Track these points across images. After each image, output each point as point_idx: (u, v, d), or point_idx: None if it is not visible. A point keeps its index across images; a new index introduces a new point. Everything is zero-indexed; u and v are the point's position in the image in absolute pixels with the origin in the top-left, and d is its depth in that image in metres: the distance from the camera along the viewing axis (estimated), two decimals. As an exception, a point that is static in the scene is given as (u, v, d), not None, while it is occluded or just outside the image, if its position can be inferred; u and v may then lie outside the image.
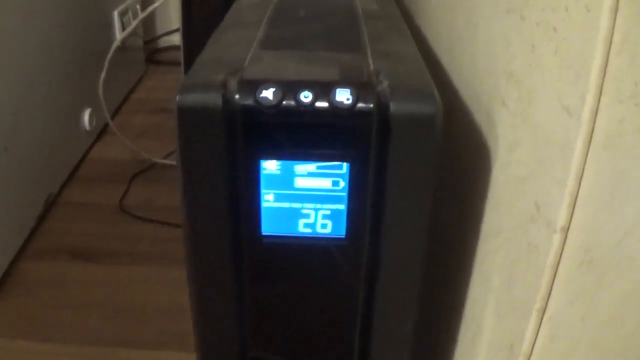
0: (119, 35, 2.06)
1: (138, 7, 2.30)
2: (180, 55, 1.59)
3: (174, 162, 1.83)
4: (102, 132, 2.05)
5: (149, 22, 2.59)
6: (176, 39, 2.57)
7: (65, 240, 1.58)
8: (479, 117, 0.64)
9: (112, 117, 2.02)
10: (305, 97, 0.51)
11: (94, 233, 1.61)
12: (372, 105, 0.52)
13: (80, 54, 1.84)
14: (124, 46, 2.02)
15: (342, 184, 0.55)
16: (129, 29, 1.94)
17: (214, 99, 0.53)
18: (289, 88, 0.52)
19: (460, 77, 0.72)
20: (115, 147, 1.97)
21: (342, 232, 0.58)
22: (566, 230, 0.44)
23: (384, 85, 0.54)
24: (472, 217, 0.65)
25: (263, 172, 0.55)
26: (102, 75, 1.79)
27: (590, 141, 0.41)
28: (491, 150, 0.60)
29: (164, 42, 2.69)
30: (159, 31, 2.68)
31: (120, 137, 1.90)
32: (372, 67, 0.58)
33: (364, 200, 0.56)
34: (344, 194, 0.56)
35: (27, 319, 1.35)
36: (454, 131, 0.71)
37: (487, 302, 0.61)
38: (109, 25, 2.08)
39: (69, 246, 1.56)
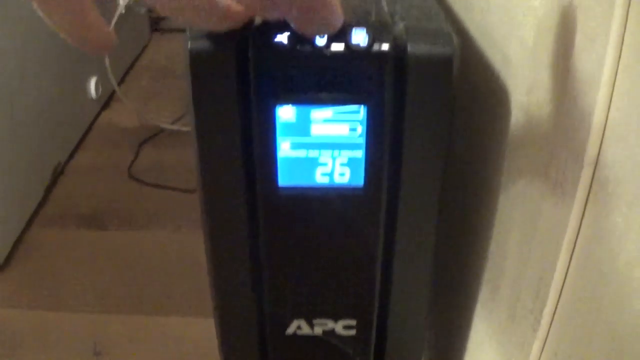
0: (122, 1, 2.05)
1: (141, -27, 2.29)
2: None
3: (181, 128, 1.83)
4: (109, 99, 2.05)
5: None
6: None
7: (74, 207, 1.59)
8: (496, 61, 0.63)
9: (119, 84, 2.01)
10: (321, 38, 0.50)
11: (103, 199, 1.62)
12: (388, 46, 0.51)
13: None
14: (128, 14, 2.01)
15: (360, 129, 0.54)
16: (132, -5, 1.93)
17: (227, 43, 0.52)
18: (304, 31, 0.50)
19: (475, 22, 0.70)
20: (122, 114, 1.97)
21: (360, 181, 0.57)
22: (595, 162, 0.43)
23: (400, 26, 0.53)
24: (492, 161, 0.64)
25: (279, 120, 0.54)
26: (107, 41, 1.78)
27: (617, 68, 0.40)
28: (510, 93, 0.59)
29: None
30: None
31: (128, 103, 1.90)
32: (386, 9, 0.57)
33: (382, 146, 0.55)
34: (362, 140, 0.55)
35: (38, 287, 1.36)
36: (470, 76, 0.70)
37: (509, 240, 0.60)
38: (112, -8, 2.07)
39: (79, 213, 1.57)
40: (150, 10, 2.54)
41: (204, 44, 0.52)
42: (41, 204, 1.59)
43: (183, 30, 0.53)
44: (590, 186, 0.44)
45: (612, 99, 0.41)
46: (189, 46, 0.52)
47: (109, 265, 1.40)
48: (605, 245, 0.43)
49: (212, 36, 0.51)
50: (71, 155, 1.78)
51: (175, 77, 2.20)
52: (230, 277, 0.66)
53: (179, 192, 1.61)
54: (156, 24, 2.64)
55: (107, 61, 1.87)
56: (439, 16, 0.58)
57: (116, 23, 1.88)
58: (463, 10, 0.76)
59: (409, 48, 0.51)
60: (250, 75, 0.52)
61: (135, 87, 2.15)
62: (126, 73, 2.24)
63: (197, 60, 0.52)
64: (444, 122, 0.55)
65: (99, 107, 1.98)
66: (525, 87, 0.55)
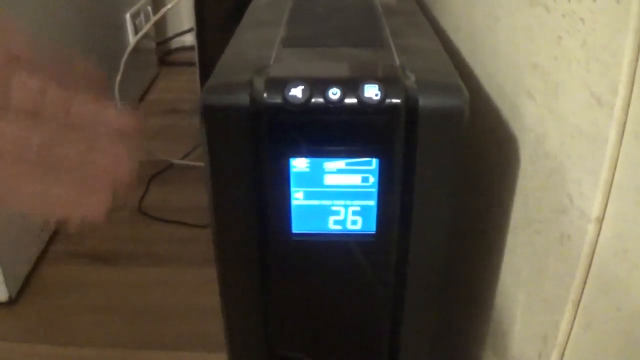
0: (131, 37, 2.06)
1: (149, 8, 2.31)
2: (192, 56, 1.59)
3: (191, 163, 1.84)
4: (118, 134, 2.05)
5: (160, 24, 2.58)
6: (188, 39, 2.57)
7: (84, 243, 1.59)
8: (504, 109, 0.64)
9: (128, 119, 2.02)
10: (334, 94, 0.51)
11: (113, 235, 1.61)
12: (400, 100, 0.52)
13: (94, 57, 1.85)
14: (136, 48, 2.03)
15: (372, 179, 0.55)
16: (142, 32, 1.93)
17: (241, 98, 0.53)
18: (317, 85, 0.51)
19: (482, 69, 0.71)
20: (131, 149, 1.96)
21: (372, 228, 0.58)
22: (601, 220, 0.44)
23: (411, 79, 0.54)
24: (500, 210, 0.65)
25: (292, 171, 0.55)
26: (118, 77, 1.79)
27: (623, 131, 0.41)
28: (518, 142, 0.60)
29: (176, 43, 2.69)
30: (171, 32, 2.67)
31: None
32: (397, 62, 0.58)
33: (393, 195, 0.56)
34: (374, 189, 0.56)
35: (48, 323, 1.36)
36: (479, 123, 0.71)
37: (517, 294, 0.61)
38: (122, 27, 2.08)
39: (88, 249, 1.56)
40: (158, 44, 2.56)
41: (218, 99, 0.53)
42: (51, 240, 1.59)
43: (191, 64, 0.54)
44: (597, 241, 0.45)
45: (619, 158, 0.42)
46: (203, 100, 0.53)
47: (119, 302, 1.40)
48: (610, 300, 0.43)
49: (227, 90, 0.52)
50: (81, 190, 1.79)
51: (184, 111, 2.21)
52: (242, 317, 0.66)
53: (189, 227, 1.62)
54: (164, 57, 2.65)
55: (116, 95, 1.88)
56: (448, 67, 0.59)
57: (126, 58, 1.89)
58: (471, 54, 0.77)
59: (421, 101, 0.52)
60: (264, 128, 0.53)
61: (144, 121, 2.15)
62: (135, 108, 2.25)
63: (211, 114, 0.53)
64: (453, 171, 0.55)
65: (108, 141, 1.98)
66: (534, 137, 0.56)
